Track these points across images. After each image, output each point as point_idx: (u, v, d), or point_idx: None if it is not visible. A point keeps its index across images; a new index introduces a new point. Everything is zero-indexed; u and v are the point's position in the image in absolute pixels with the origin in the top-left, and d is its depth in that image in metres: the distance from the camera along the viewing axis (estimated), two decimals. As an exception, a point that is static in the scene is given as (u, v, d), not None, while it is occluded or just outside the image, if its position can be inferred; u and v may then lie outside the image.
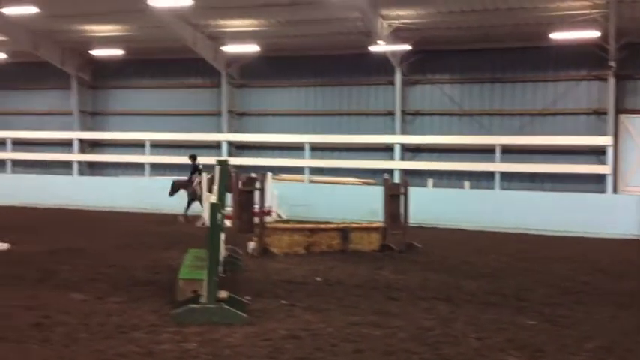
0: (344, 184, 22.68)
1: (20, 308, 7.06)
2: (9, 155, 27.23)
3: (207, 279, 6.73)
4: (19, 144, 27.58)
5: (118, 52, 25.20)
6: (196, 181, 19.17)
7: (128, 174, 26.14)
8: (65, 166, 26.99)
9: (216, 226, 6.90)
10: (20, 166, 27.55)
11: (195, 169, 19.61)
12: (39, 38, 25.14)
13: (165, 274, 8.96)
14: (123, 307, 7.29)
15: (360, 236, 13.17)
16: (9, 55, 26.91)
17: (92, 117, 27.96)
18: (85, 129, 27.58)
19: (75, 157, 27.02)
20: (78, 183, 25.61)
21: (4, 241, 12.04)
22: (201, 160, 19.89)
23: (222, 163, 7.84)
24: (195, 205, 18.82)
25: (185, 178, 19.73)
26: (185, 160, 20.36)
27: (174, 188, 19.55)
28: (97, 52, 25.49)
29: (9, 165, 27.19)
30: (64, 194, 23.58)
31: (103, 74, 27.44)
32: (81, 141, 27.37)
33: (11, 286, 8.36)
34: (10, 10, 21.37)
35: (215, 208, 6.87)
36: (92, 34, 24.61)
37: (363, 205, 17.68)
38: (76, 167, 26.86)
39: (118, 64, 26.35)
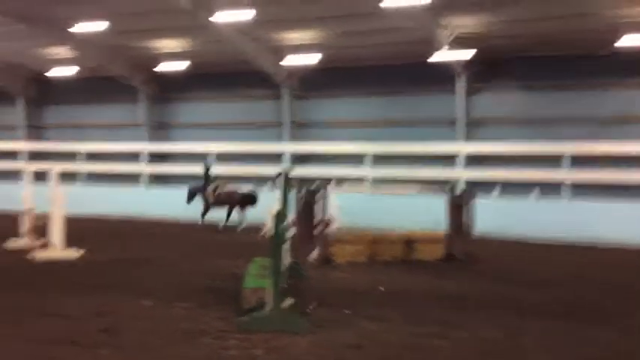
0: (406, 193, 22.49)
1: (91, 314, 7.28)
2: (81, 167, 28.23)
3: (272, 288, 6.79)
4: (90, 156, 28.61)
5: (182, 66, 25.87)
6: (210, 188, 19.88)
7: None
8: (133, 178, 27.79)
9: (278, 236, 6.96)
10: (91, 177, 28.54)
11: (208, 178, 20.29)
12: (109, 53, 26.04)
13: (230, 282, 9.08)
14: (190, 313, 7.44)
15: (423, 246, 13.03)
16: (81, 71, 27.99)
17: (159, 129, 28.72)
18: (153, 141, 28.36)
19: (142, 168, 27.79)
20: (145, 194, 26.31)
21: (77, 250, 12.49)
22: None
23: (285, 174, 7.91)
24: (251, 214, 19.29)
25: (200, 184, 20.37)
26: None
27: (191, 194, 20.22)
28: (163, 67, 26.23)
29: (81, 176, 28.19)
30: (132, 205, 24.28)
31: (169, 88, 28.16)
32: (149, 153, 28.13)
33: (83, 292, 8.65)
34: (82, 28, 22.25)
35: (278, 218, 6.94)
36: (158, 50, 25.34)
37: (427, 214, 17.48)
38: (143, 178, 27.62)
39: (182, 77, 27.01)
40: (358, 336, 6.61)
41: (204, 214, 19.97)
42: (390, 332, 6.81)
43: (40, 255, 12.16)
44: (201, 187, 20.26)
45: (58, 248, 12.37)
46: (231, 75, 26.36)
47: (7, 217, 16.89)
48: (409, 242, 12.93)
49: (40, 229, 13.38)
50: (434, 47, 21.06)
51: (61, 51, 26.23)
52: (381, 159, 23.86)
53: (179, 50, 25.13)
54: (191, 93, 27.92)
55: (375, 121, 24.76)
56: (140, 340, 6.26)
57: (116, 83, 27.64)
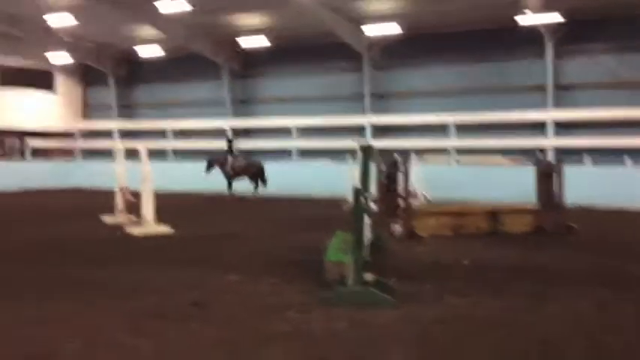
0: (492, 164, 21.96)
1: (181, 288, 7.53)
2: (169, 144, 29.15)
3: (353, 262, 6.80)
4: (177, 133, 29.48)
5: (263, 42, 26.10)
6: (229, 162, 20.82)
7: (277, 159, 27.06)
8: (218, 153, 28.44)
9: (359, 210, 6.94)
10: (179, 154, 29.44)
11: (229, 151, 21.22)
12: (192, 33, 26.60)
13: (314, 255, 9.16)
14: (275, 287, 7.57)
15: (510, 218, 12.68)
16: (166, 50, 28.76)
17: (242, 105, 29.20)
18: (236, 117, 28.87)
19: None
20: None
21: (168, 226, 12.94)
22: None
23: (366, 147, 7.85)
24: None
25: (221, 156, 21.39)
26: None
27: (210, 165, 21.02)
28: (245, 43, 26.55)
29: (170, 153, 29.13)
30: (220, 181, 24.86)
31: (251, 63, 28.52)
32: (233, 129, 28.68)
33: (173, 267, 8.96)
34: (166, 8, 22.81)
35: (358, 192, 6.91)
36: (240, 26, 25.66)
37: (514, 185, 17.01)
38: (228, 154, 28.24)
39: (264, 52, 27.27)
40: (443, 311, 6.53)
41: (229, 185, 20.83)
42: (476, 307, 6.69)
43: (133, 230, 12.68)
44: (221, 159, 21.05)
45: (150, 224, 12.86)
46: (311, 48, 26.39)
47: (103, 193, 17.71)
48: (495, 214, 12.61)
49: (133, 205, 13.94)
50: (519, 10, 20.27)
51: (148, 31, 27.03)
52: (464, 129, 23.35)
53: (260, 26, 25.35)
54: (272, 68, 28.18)
55: (459, 90, 24.21)
56: (227, 313, 6.43)
57: (200, 61, 28.25)
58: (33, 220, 15.20)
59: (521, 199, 14.35)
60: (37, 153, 30.37)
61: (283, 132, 27.02)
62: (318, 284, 7.44)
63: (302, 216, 16.37)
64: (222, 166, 20.96)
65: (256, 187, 21.19)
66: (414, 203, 14.69)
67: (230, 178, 20.96)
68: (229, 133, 23.19)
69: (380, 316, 6.30)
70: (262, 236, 12.40)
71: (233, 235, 12.55)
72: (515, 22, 20.83)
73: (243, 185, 21.43)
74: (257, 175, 21.11)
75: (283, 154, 26.96)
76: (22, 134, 30.19)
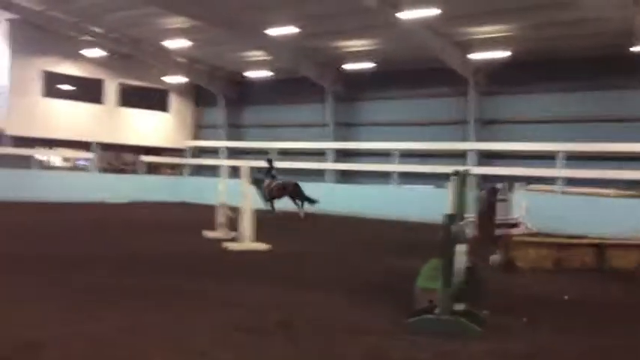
0: (602, 195, 20.84)
1: (267, 304, 7.63)
2: (279, 164, 29.77)
3: (442, 290, 6.63)
4: (282, 153, 30.10)
5: (368, 65, 26.27)
6: (266, 183, 21.41)
7: (378, 182, 27.00)
8: (320, 174, 28.76)
9: (450, 237, 6.77)
10: (283, 173, 30.03)
11: (269, 172, 21.90)
12: (299, 55, 27.19)
13: (403, 281, 9.02)
14: (359, 310, 7.51)
15: (618, 253, 11.92)
16: (273, 73, 29.55)
17: (345, 128, 29.43)
18: (339, 139, 29.12)
19: (329, 165, 28.67)
20: (331, 190, 27.09)
21: (264, 242, 13.18)
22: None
23: (461, 173, 7.67)
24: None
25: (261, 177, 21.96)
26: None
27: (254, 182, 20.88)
28: (349, 66, 26.83)
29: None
30: (321, 200, 25.14)
31: (355, 87, 28.73)
32: (335, 150, 28.96)
33: (264, 283, 9.10)
34: (274, 32, 23.50)
35: (449, 219, 6.75)
36: (345, 50, 25.97)
37: (625, 219, 16.07)
38: (330, 175, 28.48)
39: (368, 76, 27.42)
40: (534, 346, 6.22)
41: (266, 203, 21.20)
42: (570, 344, 6.33)
43: (231, 245, 13.02)
44: (261, 180, 21.58)
45: (248, 240, 13.15)
46: (415, 72, 26.25)
47: (207, 208, 18.37)
48: (602, 249, 11.92)
49: (233, 221, 14.33)
50: (634, 38, 19.27)
51: (257, 54, 27.91)
52: (574, 158, 22.32)
53: (365, 49, 25.54)
54: (376, 92, 28.24)
55: (569, 118, 23.23)
56: (309, 332, 6.43)
57: (305, 84, 28.78)
58: (139, 232, 15.94)
59: (633, 233, 13.51)
60: (150, 168, 31.94)
61: (384, 155, 26.97)
62: (404, 310, 7.30)
63: (397, 239, 16.21)
64: (259, 187, 21.46)
65: (300, 205, 21.65)
66: (514, 233, 14.18)
67: (268, 199, 21.48)
68: (271, 155, 24.11)
69: (466, 348, 6.08)
70: (356, 257, 12.39)
71: (323, 254, 12.62)
72: (630, 50, 19.83)
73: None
74: (294, 194, 21.65)
75: (384, 177, 26.88)
76: (138, 150, 31.87)
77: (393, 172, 26.31)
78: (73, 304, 7.13)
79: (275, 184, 21.77)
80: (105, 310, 6.96)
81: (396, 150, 26.36)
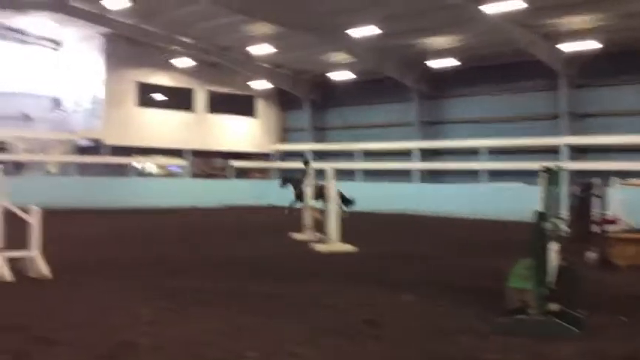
0: None
1: (356, 305, 7.67)
2: (358, 165, 29.85)
3: (535, 289, 6.46)
4: (367, 154, 30.11)
5: (452, 62, 25.87)
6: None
7: (465, 181, 26.54)
8: (407, 174, 28.57)
9: (542, 236, 6.58)
10: (367, 175, 30.03)
11: (305, 172, 21.56)
12: (382, 56, 27.12)
13: (493, 280, 8.84)
14: (450, 310, 7.42)
15: None
16: (356, 74, 29.61)
17: (430, 126, 29.10)
18: (424, 138, 28.82)
19: (415, 165, 28.43)
20: (418, 190, 26.88)
21: (351, 244, 13.25)
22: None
23: (552, 169, 7.44)
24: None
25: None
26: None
27: (285, 182, 21.86)
28: (434, 64, 26.51)
29: (358, 174, 29.79)
30: (405, 201, 24.98)
31: (440, 84, 28.35)
32: (421, 150, 28.68)
33: (353, 284, 9.14)
34: (356, 33, 23.57)
35: (540, 216, 6.56)
36: (429, 47, 25.68)
37: None
38: (416, 175, 28.24)
39: (453, 73, 27.00)
40: (634, 348, 5.96)
41: (293, 202, 21.17)
42: (675, 347, 6.02)
43: (319, 247, 13.16)
44: (296, 180, 21.71)
45: (335, 241, 13.25)
46: (502, 67, 25.64)
47: (296, 210, 18.70)
48: None
49: (320, 222, 14.47)
50: None
51: (340, 56, 28.06)
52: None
53: (449, 46, 25.17)
54: (463, 88, 27.78)
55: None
56: (400, 333, 6.42)
57: (389, 83, 28.66)
58: (229, 235, 16.36)
59: None
60: (239, 173, 32.72)
61: (472, 153, 26.47)
62: (495, 311, 7.16)
63: (487, 239, 15.88)
64: (296, 187, 21.63)
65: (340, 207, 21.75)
66: (611, 229, 13.59)
67: (298, 200, 21.31)
68: (307, 157, 24.51)
69: (561, 349, 5.89)
70: (444, 257, 12.23)
71: (411, 254, 12.53)
72: None
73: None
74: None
75: (472, 175, 26.38)
76: (227, 155, 32.73)
77: (482, 170, 25.77)
78: (167, 306, 7.41)
79: (316, 186, 22.14)
80: (198, 312, 7.20)
81: (484, 147, 25.82)
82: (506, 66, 25.42)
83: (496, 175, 25.50)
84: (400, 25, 23.07)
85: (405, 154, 29.07)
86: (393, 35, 24.02)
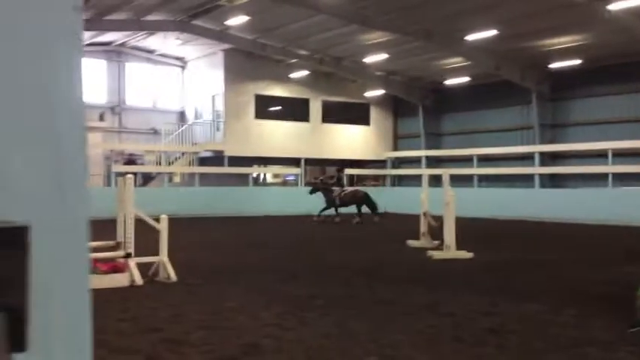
0: None
1: (478, 313, 7.50)
2: (474, 170, 29.19)
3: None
4: (483, 159, 29.39)
5: (575, 62, 24.78)
6: (337, 191, 22.80)
7: (588, 185, 25.28)
8: (526, 179, 27.61)
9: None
10: (484, 180, 29.30)
11: (339, 181, 23.65)
12: (499, 58, 26.41)
13: (622, 289, 8.37)
14: (576, 320, 7.10)
15: None
16: (471, 78, 29.02)
17: (552, 129, 27.99)
18: (545, 142, 27.75)
19: (535, 170, 27.40)
20: (538, 195, 25.91)
21: (468, 251, 12.99)
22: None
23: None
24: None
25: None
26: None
27: (315, 190, 23.13)
28: (555, 65, 25.50)
29: (475, 179, 29.13)
30: (524, 207, 24.15)
31: (562, 86, 27.22)
32: (541, 154, 27.63)
33: (471, 292, 8.96)
34: (473, 37, 23.14)
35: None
36: (550, 48, 24.74)
37: None
38: (536, 180, 27.22)
39: (576, 73, 25.87)
40: None
41: (323, 210, 22.42)
42: None
43: (435, 254, 13.00)
44: (328, 188, 23.27)
45: (450, 248, 13.05)
46: (628, 66, 24.23)
47: (410, 217, 18.56)
48: None
49: (436, 229, 14.29)
50: None
51: (455, 61, 27.64)
52: None
53: (572, 45, 24.14)
54: (586, 89, 26.53)
55: None
56: (524, 342, 6.22)
57: (506, 86, 27.87)
58: (345, 242, 16.51)
59: None
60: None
61: (596, 156, 25.17)
62: (625, 321, 6.78)
63: (616, 245, 15.03)
64: (327, 194, 22.94)
65: (359, 213, 23.00)
66: None
67: (335, 206, 22.95)
68: (339, 167, 26.58)
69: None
70: (568, 265, 11.70)
71: (532, 262, 12.10)
72: None
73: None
74: (362, 203, 23.21)
75: (597, 179, 25.08)
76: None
77: (608, 173, 24.43)
78: (286, 310, 7.60)
79: (345, 192, 23.54)
80: (315, 316, 7.32)
81: (610, 150, 24.48)
82: (632, 64, 24.01)
83: (622, 179, 24.10)
84: (518, 26, 22.42)
85: (523, 159, 28.10)
86: (512, 37, 23.36)
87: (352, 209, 23.35)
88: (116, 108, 31.35)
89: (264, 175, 34.81)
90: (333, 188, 23.80)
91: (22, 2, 0.99)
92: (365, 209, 23.40)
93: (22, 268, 0.81)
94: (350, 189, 24.46)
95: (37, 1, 1.01)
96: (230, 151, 29.64)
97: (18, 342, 0.80)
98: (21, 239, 0.82)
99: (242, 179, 29.62)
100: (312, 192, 23.73)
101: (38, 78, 1.00)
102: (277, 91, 31.70)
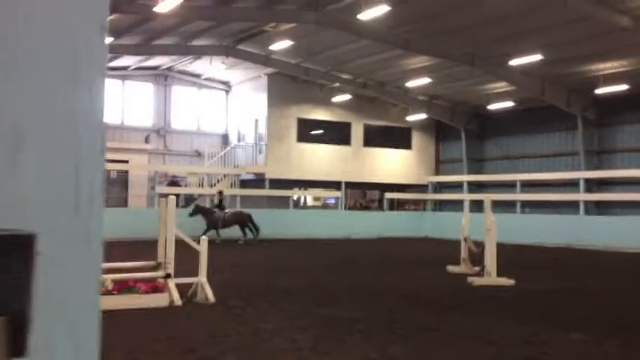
0: None
1: (519, 342, 7.34)
2: (518, 196, 28.72)
3: None
4: (526, 185, 28.91)
5: (621, 88, 24.31)
6: (218, 213, 23.39)
7: (636, 212, 24.58)
8: (570, 206, 27.03)
9: None
10: (528, 206, 28.79)
11: (220, 203, 24.06)
12: (544, 83, 26.08)
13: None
14: (620, 351, 6.87)
15: None
16: (516, 102, 28.71)
17: (597, 155, 27.42)
18: (591, 168, 27.19)
19: (580, 196, 26.81)
20: (583, 222, 25.32)
21: (510, 278, 12.74)
22: None
23: None
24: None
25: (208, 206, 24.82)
26: None
27: (195, 211, 22.85)
28: (601, 90, 25.06)
29: (518, 205, 28.65)
30: (568, 234, 23.63)
31: (608, 111, 26.71)
32: (586, 180, 27.04)
33: (512, 319, 8.77)
34: (517, 61, 22.94)
35: None
36: (596, 73, 24.34)
37: None
38: (581, 207, 26.62)
39: (622, 99, 25.36)
40: None
41: (205, 232, 21.59)
42: None
43: (477, 280, 12.78)
44: (208, 210, 23.67)
45: (492, 275, 12.81)
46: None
47: (451, 243, 18.33)
48: None
49: (476, 255, 14.07)
50: None
51: (499, 85, 27.41)
52: None
53: (619, 71, 23.70)
54: (631, 115, 25.98)
55: None
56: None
57: (551, 112, 27.49)
58: (385, 266, 16.38)
59: None
60: (393, 204, 32.78)
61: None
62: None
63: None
64: (208, 216, 23.22)
65: (244, 234, 23.64)
66: None
67: (216, 227, 23.13)
68: (221, 187, 27.20)
69: None
70: (612, 293, 11.37)
71: (576, 290, 11.79)
72: None
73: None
74: (245, 224, 23.81)
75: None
76: (382, 187, 32.98)
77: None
78: (323, 334, 7.56)
79: (228, 213, 24.03)
80: (353, 341, 7.26)
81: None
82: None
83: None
84: (564, 51, 22.14)
85: (568, 185, 27.54)
86: (557, 62, 23.07)
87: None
88: (161, 130, 31.96)
89: (305, 197, 34.86)
90: (214, 210, 24.00)
91: (50, 19, 1.03)
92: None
93: (28, 275, 0.82)
94: (233, 210, 24.61)
95: (66, 18, 1.04)
96: (271, 173, 29.84)
97: (19, 347, 0.82)
98: (28, 247, 0.84)
99: (283, 202, 29.76)
100: (191, 214, 23.02)
101: (65, 97, 1.03)
102: (320, 114, 31.87)
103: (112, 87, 30.68)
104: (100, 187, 1.06)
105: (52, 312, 0.95)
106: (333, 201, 33.54)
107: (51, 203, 0.99)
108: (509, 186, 29.32)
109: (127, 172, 28.36)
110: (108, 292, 9.00)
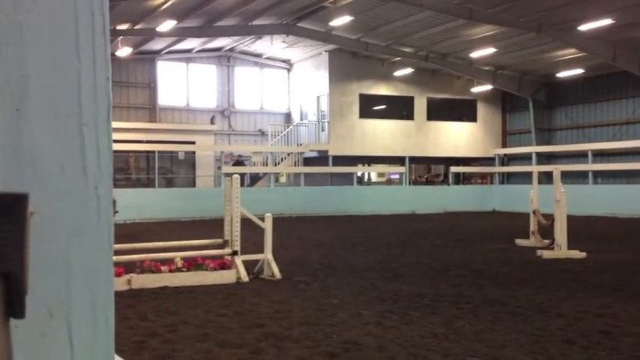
0: None
1: (591, 315, 7.15)
2: (590, 167, 27.79)
3: None
4: (598, 155, 27.95)
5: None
6: None
7: None
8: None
9: None
10: (600, 176, 27.85)
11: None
12: (616, 48, 25.01)
13: None
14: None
15: None
16: (586, 70, 27.68)
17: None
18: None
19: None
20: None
21: (581, 250, 12.40)
22: None
23: None
24: None
25: None
26: None
27: None
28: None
29: (590, 176, 27.74)
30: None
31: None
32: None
33: (584, 293, 8.55)
34: (586, 26, 22.05)
35: None
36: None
37: None
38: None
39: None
40: None
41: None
42: None
43: (546, 254, 12.50)
44: None
45: (562, 248, 12.50)
46: None
47: (519, 216, 17.95)
48: None
49: (546, 228, 13.74)
50: None
51: (568, 52, 26.48)
52: None
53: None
54: None
55: None
56: (638, 346, 5.87)
57: (623, 78, 26.41)
58: (451, 241, 16.19)
59: None
60: (459, 178, 32.29)
61: None
62: None
63: None
64: None
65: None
66: None
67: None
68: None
69: None
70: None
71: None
72: None
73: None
74: None
75: None
76: (447, 161, 32.54)
77: None
78: (388, 309, 7.56)
79: None
80: (418, 315, 7.23)
81: None
82: None
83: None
84: (636, 14, 21.15)
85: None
86: (629, 25, 22.09)
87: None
88: (225, 111, 32.41)
89: (369, 174, 34.77)
90: None
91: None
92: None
93: (21, 236, 0.83)
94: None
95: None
96: (334, 150, 29.87)
97: (15, 308, 0.83)
98: (20, 207, 0.84)
99: (346, 178, 29.78)
100: None
101: (66, 61, 1.06)
102: (382, 89, 31.60)
103: (176, 70, 31.32)
104: (107, 152, 1.09)
105: (64, 276, 0.98)
106: (397, 176, 33.33)
107: (57, 164, 1.02)
108: (581, 156, 28.40)
109: (194, 152, 28.96)
110: (178, 270, 9.28)
